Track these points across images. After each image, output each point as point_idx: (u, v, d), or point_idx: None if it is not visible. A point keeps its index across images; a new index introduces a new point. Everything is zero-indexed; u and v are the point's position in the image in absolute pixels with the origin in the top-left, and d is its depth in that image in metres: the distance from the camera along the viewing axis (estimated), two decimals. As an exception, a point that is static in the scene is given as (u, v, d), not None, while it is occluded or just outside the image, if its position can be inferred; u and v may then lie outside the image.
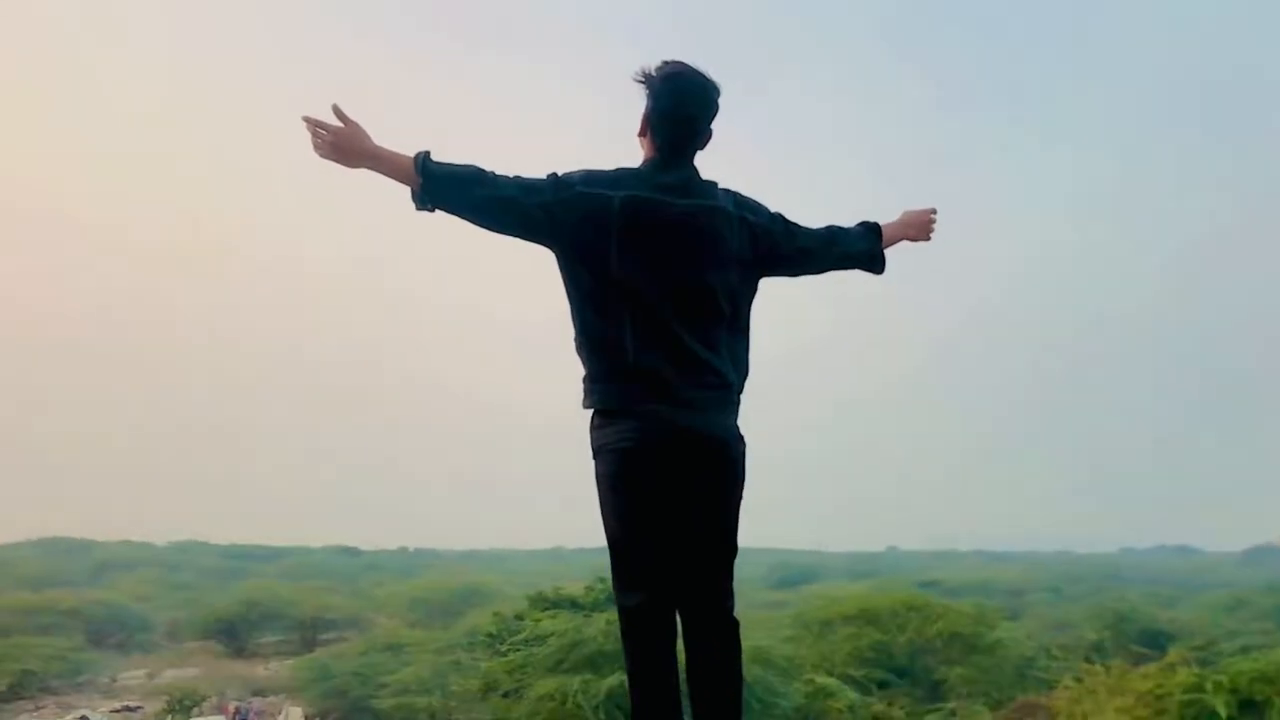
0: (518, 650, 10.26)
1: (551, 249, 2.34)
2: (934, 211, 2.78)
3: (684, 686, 2.34)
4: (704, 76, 2.39)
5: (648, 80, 2.38)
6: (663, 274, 2.29)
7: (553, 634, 9.88)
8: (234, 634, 22.95)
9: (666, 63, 2.40)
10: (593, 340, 2.31)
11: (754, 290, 2.46)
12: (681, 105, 2.37)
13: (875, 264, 2.67)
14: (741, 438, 2.41)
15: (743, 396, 2.45)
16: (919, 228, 2.76)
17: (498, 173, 2.30)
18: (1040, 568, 38.22)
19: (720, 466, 2.34)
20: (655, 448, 2.27)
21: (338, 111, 2.25)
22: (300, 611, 23.92)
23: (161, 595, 27.18)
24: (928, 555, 48.49)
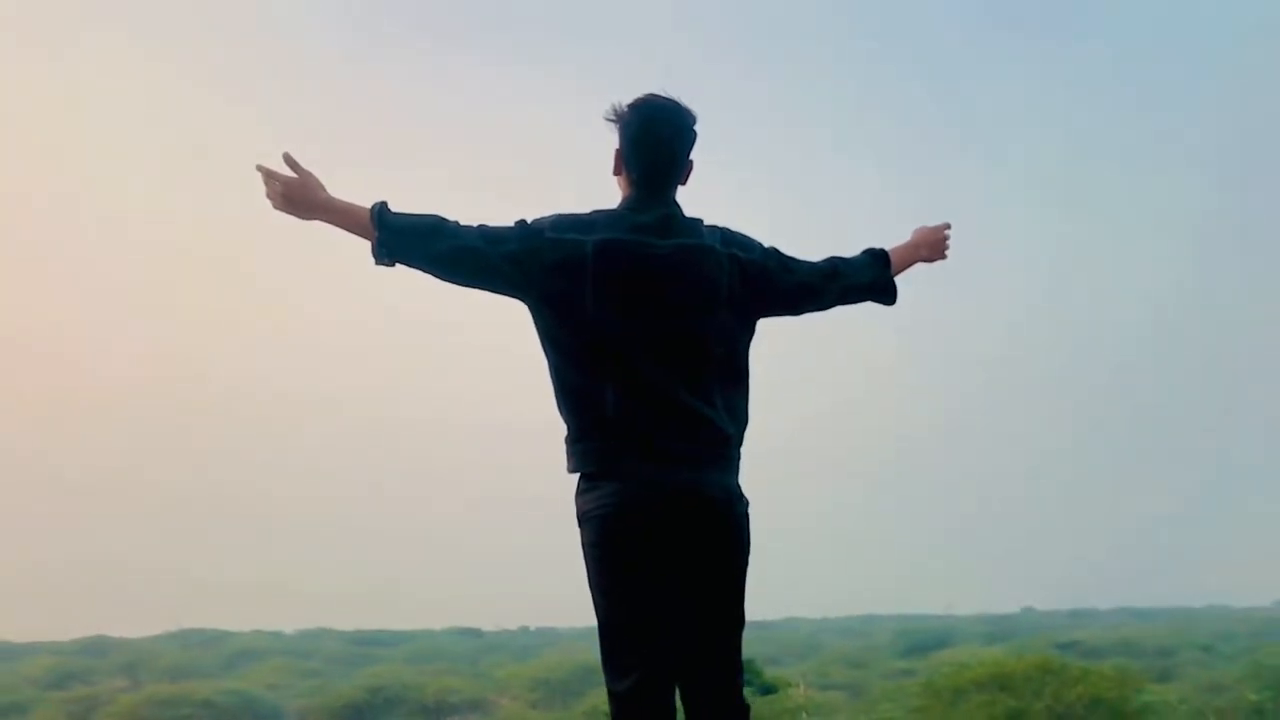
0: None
1: (523, 301, 2.19)
2: (948, 227, 2.55)
3: None
4: (676, 102, 2.25)
5: (618, 116, 2.25)
6: (644, 321, 2.13)
7: (668, 712, 9.64)
8: (360, 719, 23.16)
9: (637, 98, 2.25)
10: (571, 397, 2.16)
11: (750, 333, 2.29)
12: (652, 129, 2.23)
13: (884, 294, 2.47)
14: (742, 496, 2.22)
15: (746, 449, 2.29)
16: (932, 247, 2.56)
17: (460, 222, 2.16)
18: (1190, 624, 36.03)
19: (717, 530, 2.15)
20: (642, 512, 2.09)
21: (289, 160, 2.13)
22: (423, 695, 24.04)
23: (291, 683, 27.67)
24: (1065, 615, 46.25)
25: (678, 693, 2.21)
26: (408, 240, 2.14)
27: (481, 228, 2.16)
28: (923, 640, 32.22)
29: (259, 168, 2.13)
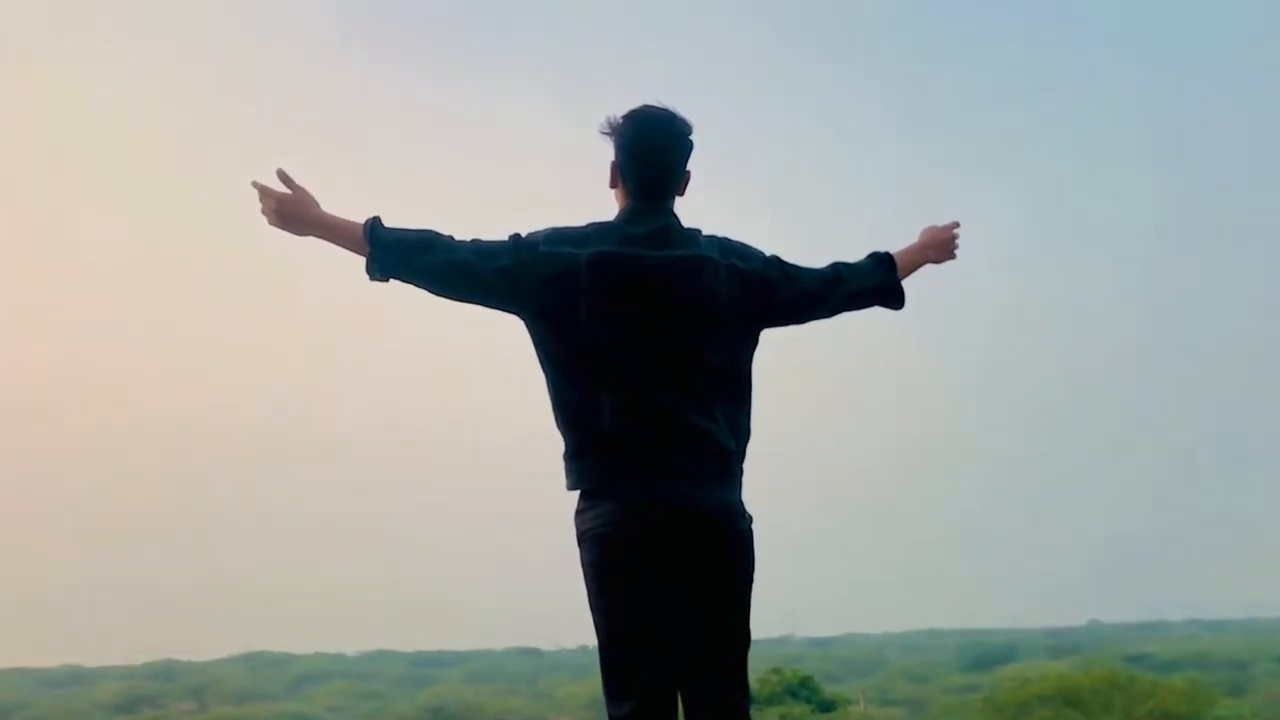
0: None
1: (518, 316, 2.16)
2: (956, 226, 2.48)
3: None
4: (671, 112, 2.21)
5: (612, 128, 2.21)
6: (640, 335, 2.09)
7: (724, 731, 9.59)
8: (422, 740, 23.30)
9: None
10: (568, 413, 2.12)
11: (753, 345, 2.23)
12: (647, 138, 2.19)
13: (891, 298, 2.40)
14: (744, 512, 2.15)
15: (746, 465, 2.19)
16: (940, 247, 2.48)
17: (455, 236, 2.14)
18: (1265, 635, 34.92)
19: (718, 548, 2.09)
20: (641, 531, 2.04)
21: (283, 176, 2.12)
22: (484, 715, 24.15)
23: (353, 705, 27.95)
24: (1134, 627, 45.08)
25: (681, 715, 2.15)
26: (400, 255, 2.11)
27: (475, 242, 2.14)
28: (986, 655, 31.61)
29: (254, 184, 2.13)
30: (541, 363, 2.15)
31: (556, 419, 2.15)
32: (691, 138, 2.23)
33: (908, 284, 2.45)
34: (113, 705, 27.15)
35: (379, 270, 2.13)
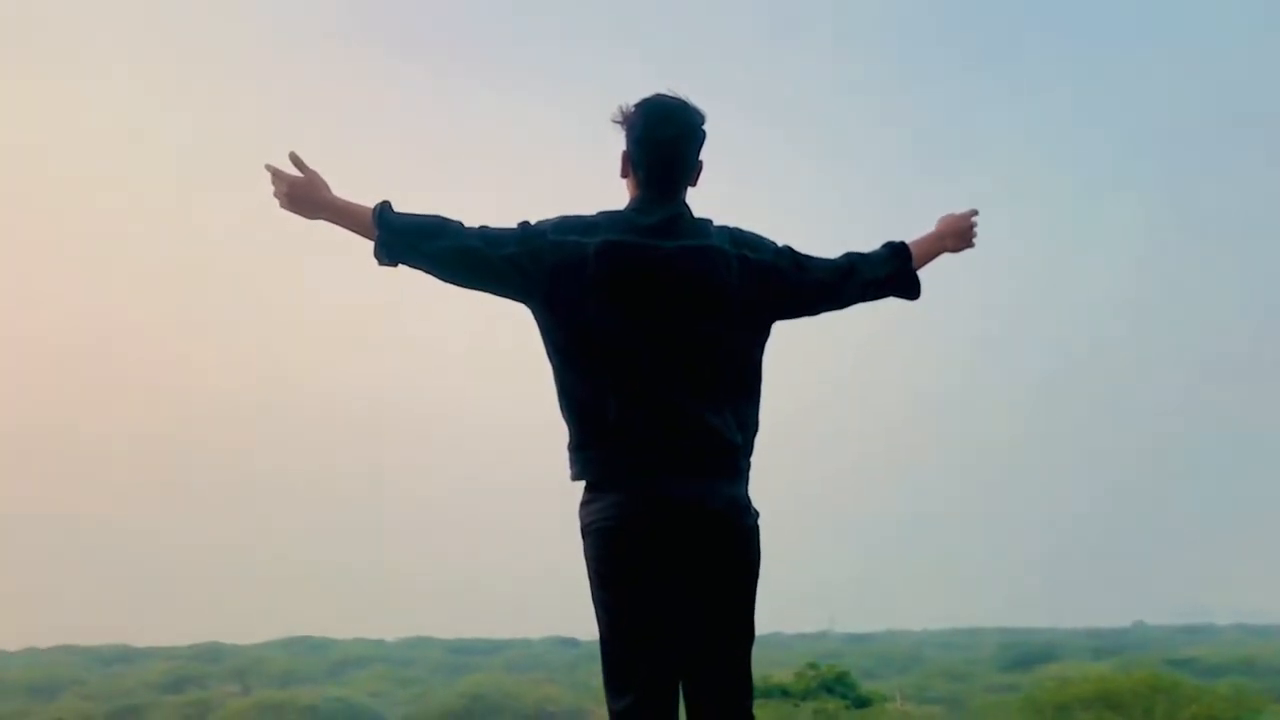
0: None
1: (526, 304, 2.14)
2: (974, 214, 2.44)
3: None
4: (683, 101, 2.18)
5: (624, 116, 2.19)
6: (647, 326, 2.06)
7: (758, 725, 9.59)
8: (460, 727, 23.51)
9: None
10: (573, 403, 2.10)
11: (764, 337, 2.20)
12: (658, 127, 2.15)
13: (906, 288, 2.36)
14: (750, 508, 2.13)
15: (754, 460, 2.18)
16: (958, 236, 2.43)
17: (464, 223, 2.13)
18: (1316, 641, 34.17)
19: (722, 544, 2.07)
20: (644, 526, 2.02)
21: (295, 159, 2.12)
22: (522, 704, 24.29)
23: (392, 691, 28.24)
24: (1180, 630, 44.34)
25: (683, 712, 2.15)
26: (408, 240, 2.11)
27: (483, 229, 2.12)
28: (1027, 654, 31.26)
29: (267, 167, 2.13)
30: (548, 353, 2.13)
31: (561, 409, 2.13)
32: (705, 128, 2.20)
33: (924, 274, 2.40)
34: (160, 685, 27.69)
35: (386, 254, 2.12)
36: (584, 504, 2.10)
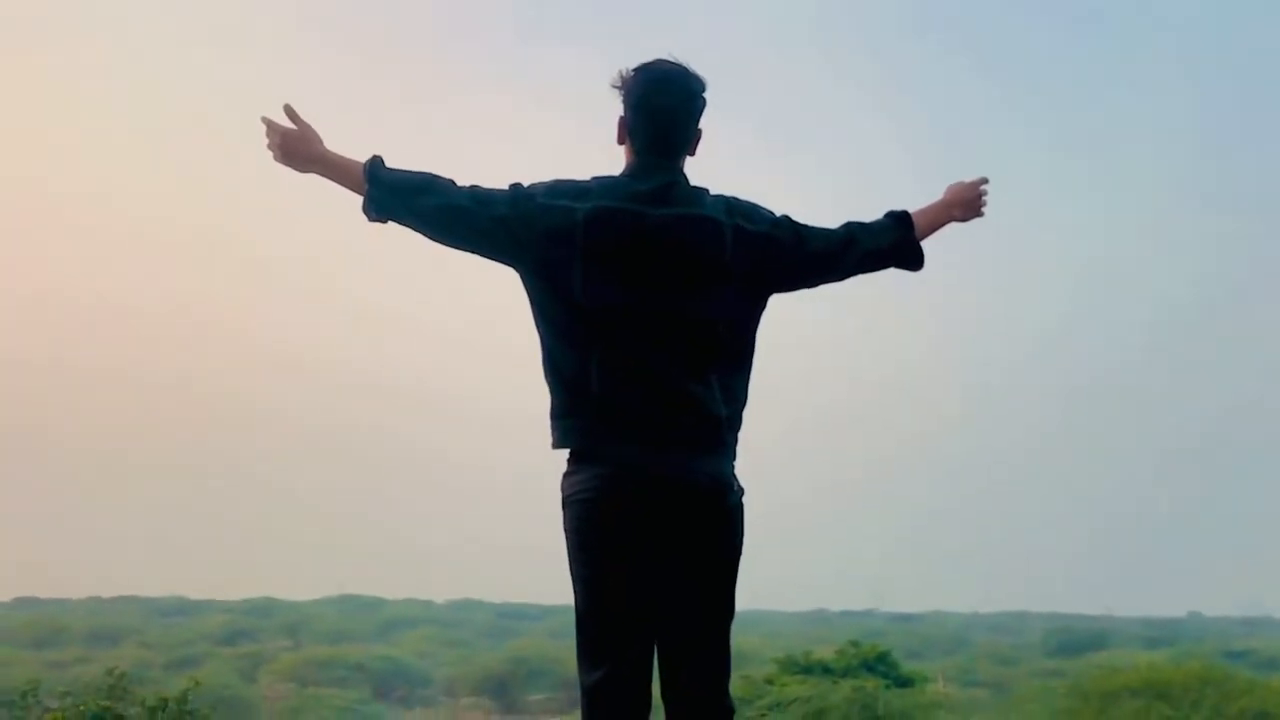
0: (763, 716, 10.00)
1: (514, 267, 2.10)
2: (984, 182, 2.33)
3: None
4: (683, 66, 2.12)
5: (623, 81, 2.13)
6: (636, 294, 2.01)
7: (796, 699, 9.57)
8: (504, 691, 23.88)
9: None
10: (558, 371, 2.06)
11: (760, 309, 2.14)
12: (655, 94, 2.10)
13: (909, 258, 2.27)
14: (734, 485, 2.07)
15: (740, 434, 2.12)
16: (966, 205, 2.33)
17: (456, 182, 2.09)
18: (1378, 637, 33.32)
19: (703, 521, 2.02)
20: (623, 500, 1.98)
21: (289, 112, 2.12)
22: (565, 669, 24.54)
23: (439, 651, 28.76)
24: (1236, 621, 43.47)
25: (658, 691, 2.11)
26: (398, 196, 2.08)
27: (474, 188, 2.09)
28: (1076, 641, 30.90)
29: (263, 119, 2.13)
30: (535, 319, 2.10)
31: (546, 376, 2.09)
32: (705, 95, 2.15)
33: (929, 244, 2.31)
34: (216, 637, 28.51)
35: (375, 210, 2.11)
36: (566, 475, 2.07)
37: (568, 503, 2.05)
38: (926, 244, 2.31)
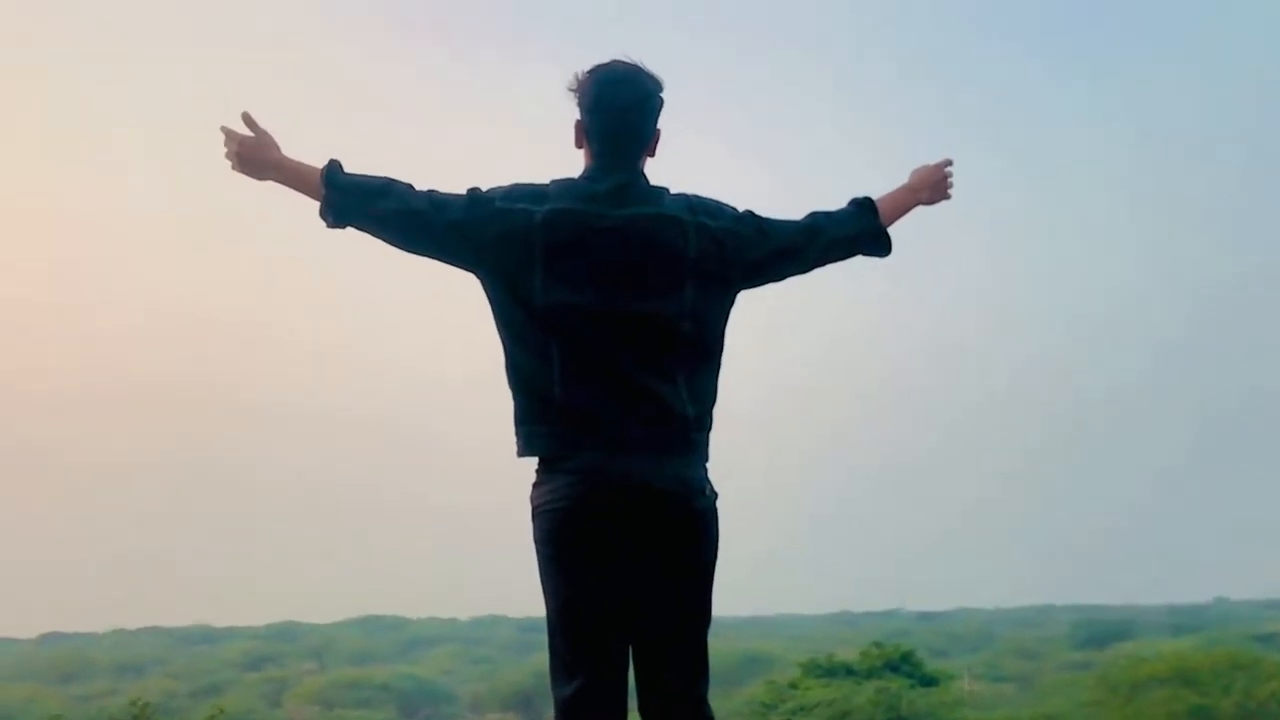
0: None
1: (474, 272, 2.07)
2: (948, 164, 2.32)
3: None
4: (637, 66, 2.09)
5: (577, 85, 2.10)
6: (597, 296, 1.98)
7: (820, 703, 9.56)
8: (530, 705, 23.80)
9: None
10: (520, 376, 2.02)
11: (727, 306, 2.11)
12: (609, 95, 2.07)
13: (875, 244, 2.25)
14: (704, 488, 2.02)
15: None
16: (933, 188, 2.32)
17: (414, 186, 2.06)
18: (1407, 615, 32.99)
19: (673, 527, 1.97)
20: (591, 508, 1.94)
21: (247, 119, 2.10)
22: (590, 683, 24.55)
23: (464, 669, 28.73)
24: (1263, 605, 42.99)
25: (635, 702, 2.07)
26: (354, 200, 2.06)
27: (431, 193, 2.06)
28: (1102, 632, 30.65)
29: (222, 128, 2.11)
30: (497, 325, 2.07)
31: (509, 382, 2.06)
32: (662, 95, 2.12)
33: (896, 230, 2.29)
34: (240, 663, 28.54)
35: (332, 214, 2.07)
36: (535, 484, 2.03)
37: (536, 513, 2.01)
38: (895, 230, 2.30)
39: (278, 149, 2.11)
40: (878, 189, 2.33)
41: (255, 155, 2.11)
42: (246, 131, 2.11)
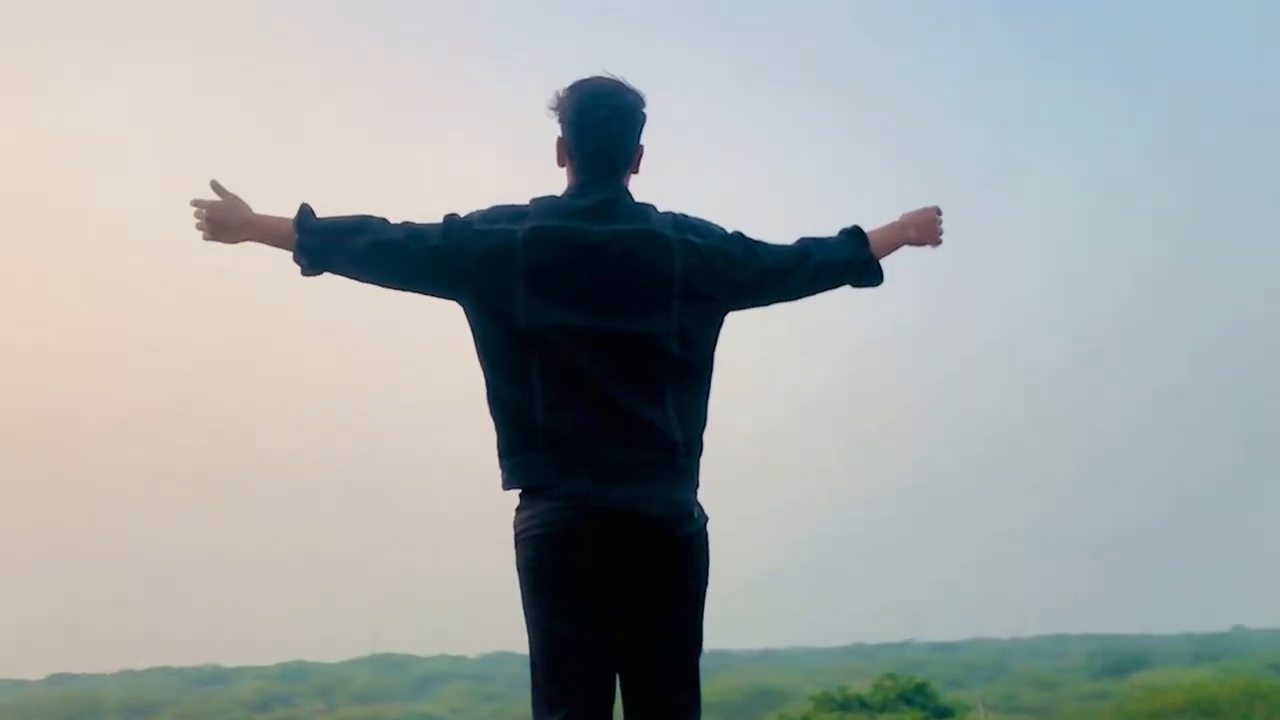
0: (801, 755, 9.89)
1: (456, 300, 2.02)
2: (938, 211, 2.32)
3: None
4: (618, 82, 2.07)
5: (558, 102, 2.07)
6: (580, 316, 1.93)
7: (834, 737, 9.46)
8: (541, 743, 23.63)
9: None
10: (502, 405, 1.97)
11: (716, 327, 2.07)
12: (589, 110, 2.03)
13: (865, 274, 2.23)
14: (694, 513, 1.97)
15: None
16: (921, 228, 2.30)
17: (389, 220, 2.03)
18: None
19: (661, 554, 1.92)
20: (576, 535, 1.89)
21: (216, 186, 2.07)
22: (602, 719, 24.35)
23: (474, 706, 28.52)
24: (1282, 633, 42.56)
25: None
26: (328, 241, 2.02)
27: (407, 224, 2.02)
28: (1119, 661, 30.32)
29: (192, 201, 2.08)
30: (478, 355, 2.02)
31: (492, 414, 2.01)
32: (644, 110, 2.09)
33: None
34: (250, 704, 28.35)
35: (307, 258, 2.03)
36: (518, 511, 1.97)
37: (519, 540, 1.96)
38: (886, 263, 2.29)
39: (248, 208, 2.08)
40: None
41: (228, 218, 2.08)
42: (215, 197, 2.08)
